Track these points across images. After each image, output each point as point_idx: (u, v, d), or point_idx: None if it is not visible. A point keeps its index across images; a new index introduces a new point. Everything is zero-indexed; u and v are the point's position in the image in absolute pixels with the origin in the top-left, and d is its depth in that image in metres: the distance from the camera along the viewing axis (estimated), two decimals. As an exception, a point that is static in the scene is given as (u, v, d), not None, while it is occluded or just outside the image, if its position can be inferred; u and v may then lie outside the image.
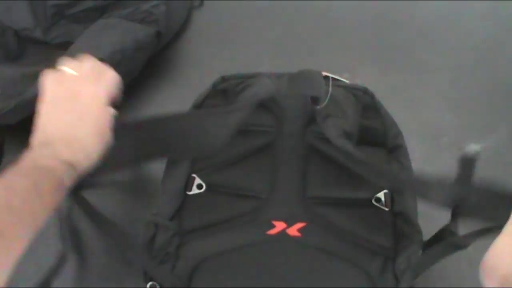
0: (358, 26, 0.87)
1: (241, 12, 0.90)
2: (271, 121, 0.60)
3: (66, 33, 0.83)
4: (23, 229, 0.39)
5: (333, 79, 0.61)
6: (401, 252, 0.50)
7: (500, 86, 0.77)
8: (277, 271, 0.50)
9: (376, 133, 0.59)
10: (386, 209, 0.54)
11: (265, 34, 0.86)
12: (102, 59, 0.68)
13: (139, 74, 0.75)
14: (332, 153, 0.55)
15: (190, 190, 0.55)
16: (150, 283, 0.50)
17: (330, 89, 0.57)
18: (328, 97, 0.55)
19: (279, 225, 0.52)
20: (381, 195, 0.55)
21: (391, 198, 0.54)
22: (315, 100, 0.54)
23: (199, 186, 0.56)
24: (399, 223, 0.52)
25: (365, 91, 0.62)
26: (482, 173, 0.68)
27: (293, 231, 0.52)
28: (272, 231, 0.52)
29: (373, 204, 0.53)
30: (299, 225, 0.52)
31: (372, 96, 0.61)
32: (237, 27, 0.87)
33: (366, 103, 0.60)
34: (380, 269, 0.50)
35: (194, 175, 0.56)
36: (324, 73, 0.60)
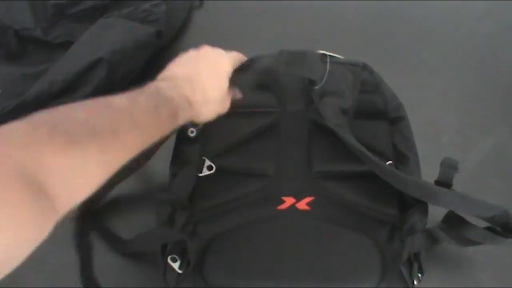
0: (358, 26, 0.87)
1: (241, 12, 0.90)
2: (273, 101, 0.61)
3: (67, 32, 0.83)
4: (135, 137, 0.41)
5: (330, 56, 0.62)
6: (406, 220, 0.51)
7: (500, 86, 0.77)
8: (287, 244, 0.51)
9: (377, 106, 0.60)
10: None
11: (264, 34, 0.86)
12: (102, 59, 0.69)
13: (139, 74, 0.76)
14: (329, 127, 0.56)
15: (201, 172, 0.57)
16: (170, 256, 0.51)
17: (328, 67, 0.58)
18: (325, 77, 0.57)
19: (289, 200, 0.54)
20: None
21: (396, 168, 0.55)
22: (311, 82, 0.57)
23: (209, 168, 0.57)
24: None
25: (364, 66, 0.63)
26: (482, 173, 0.68)
27: (302, 205, 0.53)
28: (282, 206, 0.53)
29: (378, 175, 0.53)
30: (308, 199, 0.53)
31: (371, 71, 0.63)
32: (237, 27, 0.87)
33: (365, 78, 0.62)
34: (388, 237, 0.51)
35: (204, 157, 0.58)
36: (321, 51, 0.62)
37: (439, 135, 0.71)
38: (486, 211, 0.46)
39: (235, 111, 0.59)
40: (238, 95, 0.59)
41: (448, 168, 0.51)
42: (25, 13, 0.82)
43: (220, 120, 0.57)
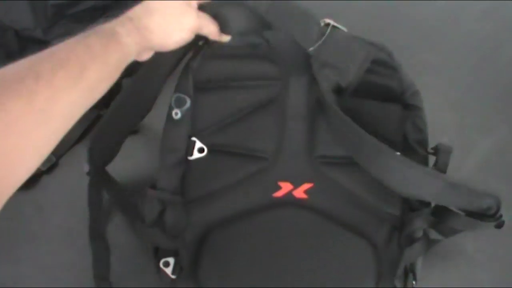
0: (358, 26, 0.87)
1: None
2: (274, 73, 0.55)
3: (67, 33, 0.83)
4: (67, 79, 0.37)
5: (336, 27, 0.56)
6: (408, 224, 0.49)
7: (500, 86, 0.77)
8: (282, 243, 0.50)
9: (391, 89, 0.55)
10: None
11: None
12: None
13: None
14: (339, 105, 0.51)
15: (191, 155, 0.53)
16: (163, 260, 0.50)
17: (327, 32, 0.53)
18: (321, 40, 0.52)
19: (286, 187, 0.51)
20: None
21: None
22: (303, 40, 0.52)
23: (200, 150, 0.53)
24: None
25: (381, 47, 0.57)
26: (482, 172, 0.68)
27: (300, 193, 0.50)
28: (278, 193, 0.51)
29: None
30: (306, 186, 0.50)
31: (389, 53, 0.57)
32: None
33: (380, 59, 0.56)
34: (386, 238, 0.49)
35: (194, 138, 0.53)
36: (327, 20, 0.56)
37: (439, 135, 0.71)
38: (478, 199, 0.44)
39: (229, 84, 0.54)
40: (224, 37, 0.54)
41: (445, 153, 0.49)
42: (25, 13, 0.82)
43: (212, 94, 0.53)
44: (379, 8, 0.88)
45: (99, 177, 0.58)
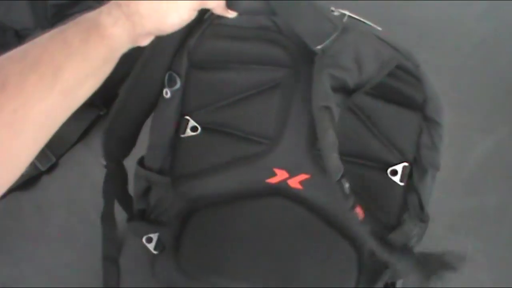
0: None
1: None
2: (284, 61, 0.50)
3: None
4: (39, 84, 0.33)
5: (355, 19, 0.52)
6: (397, 232, 0.47)
7: (500, 86, 0.77)
8: (267, 231, 0.48)
9: (413, 98, 0.51)
10: (401, 183, 0.49)
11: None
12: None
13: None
14: (353, 104, 0.48)
15: (184, 133, 0.50)
16: (145, 236, 0.49)
17: (339, 27, 0.47)
18: (331, 38, 0.47)
19: (281, 174, 0.48)
20: (399, 167, 0.49)
21: (410, 173, 0.49)
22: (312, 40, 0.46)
23: (194, 129, 0.50)
24: (410, 203, 0.49)
25: (409, 57, 0.53)
26: (482, 173, 0.68)
27: (295, 182, 0.48)
28: (272, 180, 0.48)
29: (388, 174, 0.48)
30: (303, 176, 0.48)
31: (416, 64, 0.53)
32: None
33: (405, 66, 0.52)
34: (372, 251, 0.46)
35: (187, 117, 0.50)
36: (346, 12, 0.52)
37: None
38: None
39: (231, 65, 0.50)
40: (231, 13, 0.49)
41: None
42: (25, 14, 0.81)
43: (211, 73, 0.50)
44: (379, 8, 0.88)
45: (117, 171, 0.56)
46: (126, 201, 0.58)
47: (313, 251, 0.48)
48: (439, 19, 0.86)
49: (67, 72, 0.34)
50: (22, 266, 0.64)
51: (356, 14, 0.57)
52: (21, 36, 0.82)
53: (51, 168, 0.71)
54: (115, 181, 0.56)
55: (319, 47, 0.46)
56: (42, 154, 0.71)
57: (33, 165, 0.71)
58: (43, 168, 0.71)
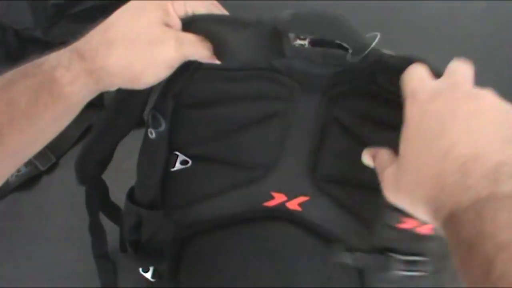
0: (357, 26, 0.87)
1: (241, 12, 0.90)
2: (283, 92, 0.46)
3: (67, 32, 0.83)
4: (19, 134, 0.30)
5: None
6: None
7: (500, 86, 0.77)
8: (266, 256, 0.47)
9: None
10: None
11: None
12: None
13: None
14: (358, 129, 0.45)
15: (174, 167, 0.47)
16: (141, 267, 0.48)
17: (374, 42, 0.45)
18: (368, 49, 0.44)
19: (279, 197, 0.46)
20: None
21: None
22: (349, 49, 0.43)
23: (184, 162, 0.47)
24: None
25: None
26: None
27: (294, 204, 0.46)
28: (270, 203, 0.46)
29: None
30: (302, 198, 0.46)
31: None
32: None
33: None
34: (373, 266, 0.46)
35: (176, 152, 0.47)
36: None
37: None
38: None
39: (226, 102, 0.46)
40: (220, 59, 0.42)
41: None
42: (25, 13, 0.82)
43: (200, 110, 0.46)
44: (379, 8, 0.88)
45: (96, 185, 0.56)
46: (111, 213, 0.59)
47: (314, 272, 0.47)
48: (439, 19, 0.86)
49: (9, 137, 0.30)
50: (22, 266, 0.64)
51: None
52: (21, 36, 0.82)
53: (51, 168, 0.71)
54: (96, 196, 0.56)
55: (357, 55, 0.44)
56: (42, 154, 0.71)
57: (33, 165, 0.71)
58: (43, 168, 0.71)
